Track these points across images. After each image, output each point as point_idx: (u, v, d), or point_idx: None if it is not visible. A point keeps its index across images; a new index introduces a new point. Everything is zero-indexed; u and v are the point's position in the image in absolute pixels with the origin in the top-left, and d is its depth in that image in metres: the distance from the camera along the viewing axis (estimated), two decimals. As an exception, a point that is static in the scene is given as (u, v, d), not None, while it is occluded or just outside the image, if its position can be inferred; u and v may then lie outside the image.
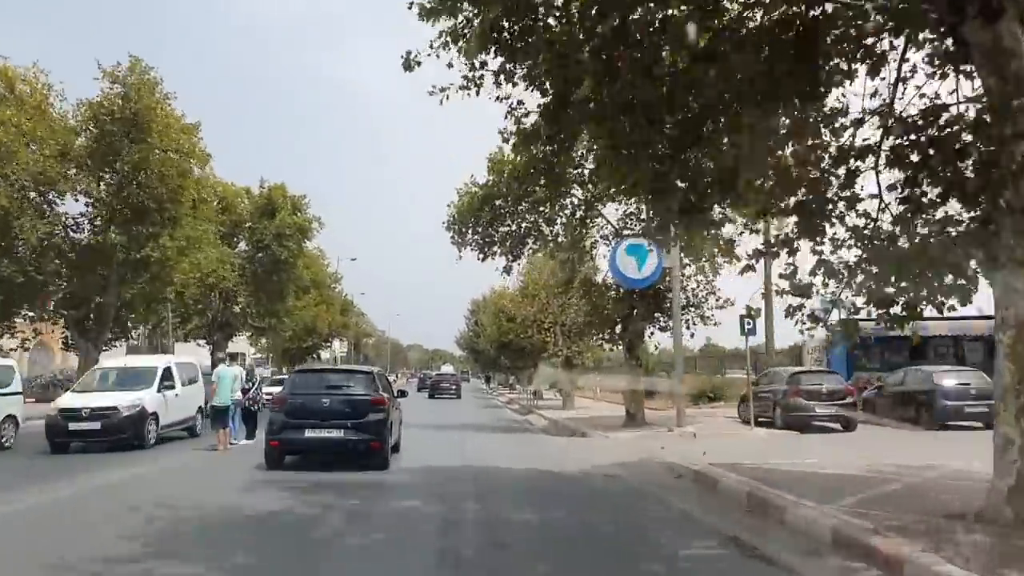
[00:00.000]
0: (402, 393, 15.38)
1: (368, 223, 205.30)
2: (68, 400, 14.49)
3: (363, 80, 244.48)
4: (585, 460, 12.75)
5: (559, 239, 19.05)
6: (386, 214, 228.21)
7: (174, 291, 30.84)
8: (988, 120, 6.70)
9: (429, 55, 7.90)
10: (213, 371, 15.51)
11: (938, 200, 7.05)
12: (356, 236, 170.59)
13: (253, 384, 15.53)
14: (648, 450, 13.62)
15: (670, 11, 7.21)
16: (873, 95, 7.75)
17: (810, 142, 7.82)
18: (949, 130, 7.17)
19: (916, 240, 7.10)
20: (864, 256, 7.51)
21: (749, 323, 17.38)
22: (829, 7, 7.29)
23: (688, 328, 18.88)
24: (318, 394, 11.47)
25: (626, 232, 18.58)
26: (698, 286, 19.08)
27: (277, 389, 34.94)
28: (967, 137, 7.04)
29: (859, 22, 7.08)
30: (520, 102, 8.49)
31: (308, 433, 11.08)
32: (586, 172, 18.93)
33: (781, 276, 8.26)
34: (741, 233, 9.75)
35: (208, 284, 34.34)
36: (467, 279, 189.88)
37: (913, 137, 7.31)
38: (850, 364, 22.35)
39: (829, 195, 7.72)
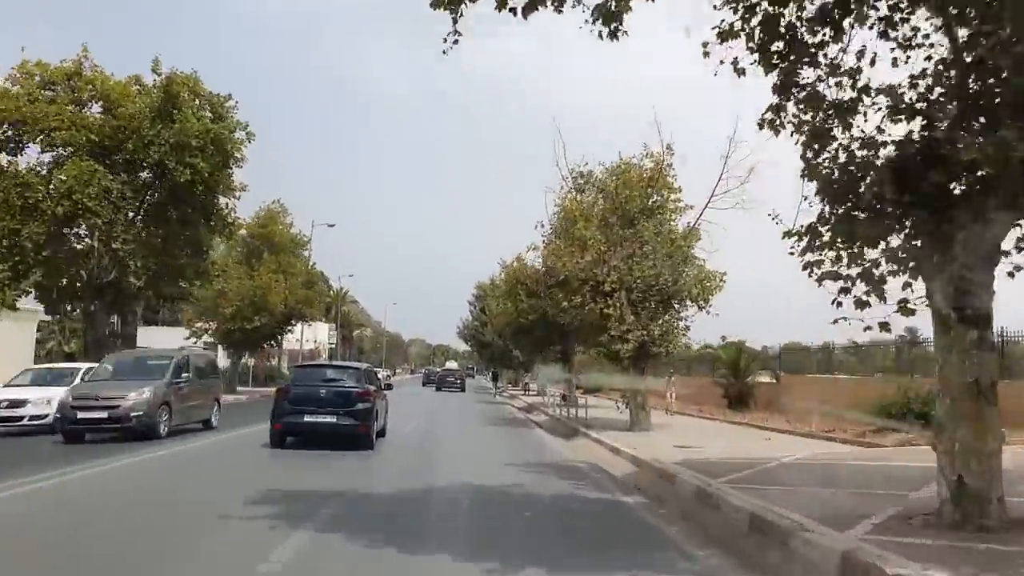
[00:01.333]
0: (387, 386, 18.37)
1: (369, 219, 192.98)
2: None
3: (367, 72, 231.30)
4: None
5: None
6: (388, 207, 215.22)
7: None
8: None
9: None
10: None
11: None
12: (357, 234, 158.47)
13: None
14: None
15: None
16: None
17: None
18: None
19: None
20: None
21: None
22: None
23: None
24: (316, 385, 13.73)
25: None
26: None
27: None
28: None
29: None
30: None
31: (307, 418, 13.19)
32: None
33: None
34: None
35: (58, 214, 21.60)
36: (472, 272, 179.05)
37: None
38: None
39: None
